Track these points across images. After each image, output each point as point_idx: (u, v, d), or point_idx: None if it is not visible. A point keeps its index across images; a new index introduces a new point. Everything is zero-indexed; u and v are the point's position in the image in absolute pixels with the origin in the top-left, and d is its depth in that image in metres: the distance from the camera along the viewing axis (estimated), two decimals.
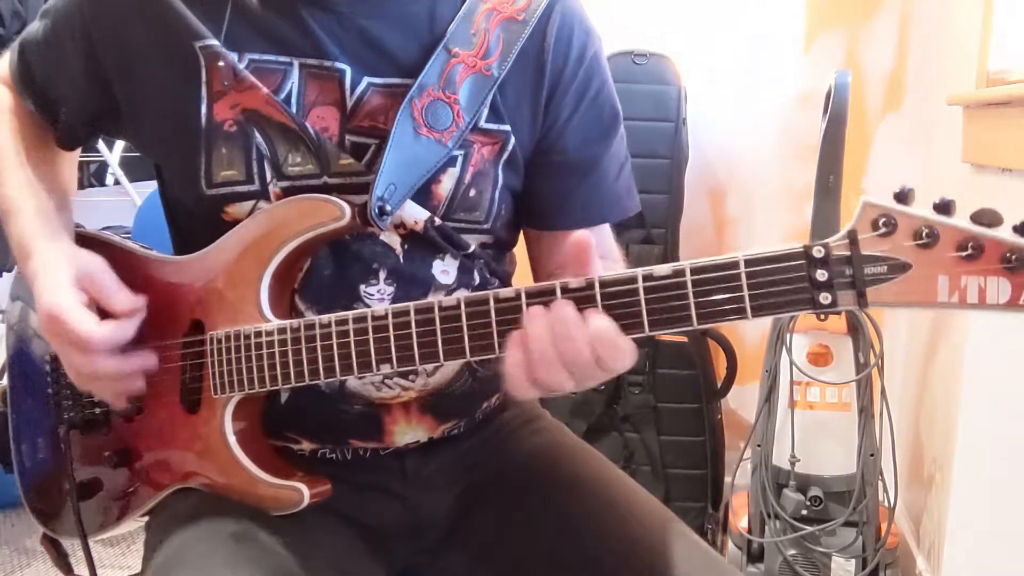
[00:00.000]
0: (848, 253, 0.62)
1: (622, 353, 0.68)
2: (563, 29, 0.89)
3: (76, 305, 0.82)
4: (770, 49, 2.05)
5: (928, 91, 1.96)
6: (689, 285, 0.65)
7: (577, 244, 0.70)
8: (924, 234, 0.60)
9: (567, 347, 0.67)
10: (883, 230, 0.61)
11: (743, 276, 0.64)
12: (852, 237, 0.62)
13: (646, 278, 0.66)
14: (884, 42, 2.01)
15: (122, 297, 0.84)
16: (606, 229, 0.98)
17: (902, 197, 0.61)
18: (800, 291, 0.63)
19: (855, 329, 1.65)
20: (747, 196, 2.13)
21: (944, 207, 0.60)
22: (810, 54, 2.04)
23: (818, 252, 0.62)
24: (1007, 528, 1.37)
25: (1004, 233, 0.59)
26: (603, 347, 0.67)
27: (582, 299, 0.68)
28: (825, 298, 0.62)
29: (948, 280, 0.60)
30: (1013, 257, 0.58)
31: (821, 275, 0.62)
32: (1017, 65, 1.45)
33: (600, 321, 0.67)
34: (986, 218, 0.59)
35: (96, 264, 0.86)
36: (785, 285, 0.63)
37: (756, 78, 2.06)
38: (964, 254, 0.59)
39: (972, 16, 1.58)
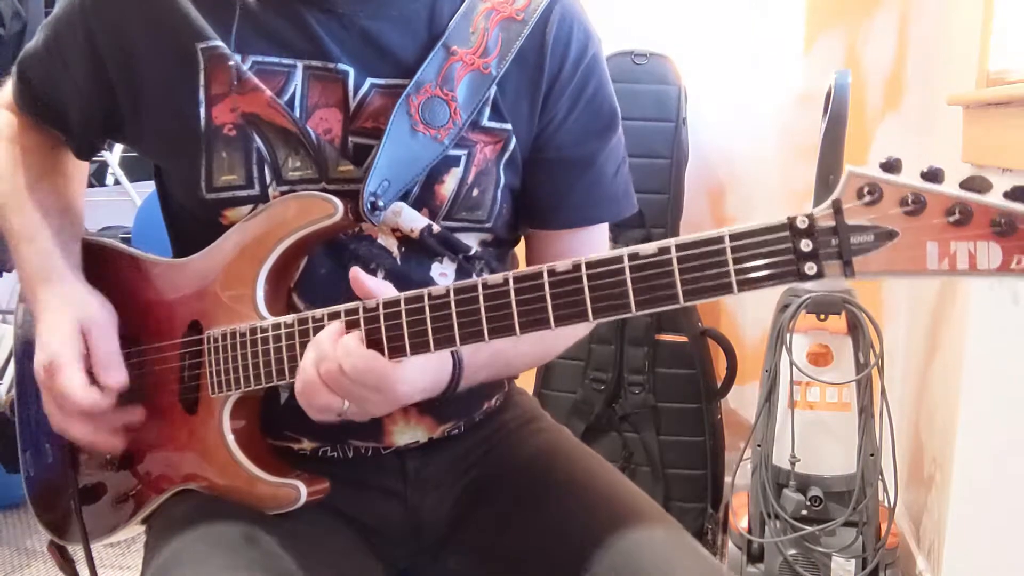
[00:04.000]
0: (833, 223, 0.61)
1: (367, 362, 0.72)
2: (562, 30, 0.89)
3: (73, 362, 0.84)
4: (770, 49, 2.05)
5: (928, 91, 1.96)
6: (675, 262, 0.65)
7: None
8: (910, 201, 0.59)
9: (324, 367, 0.73)
10: (868, 198, 0.59)
11: (728, 251, 0.63)
12: (837, 206, 0.60)
13: (631, 257, 0.66)
14: (884, 42, 2.01)
15: (113, 369, 0.86)
16: (602, 232, 0.97)
17: (889, 166, 0.60)
18: (785, 263, 0.62)
19: (855, 329, 1.65)
20: (747, 196, 2.13)
21: (932, 175, 0.59)
22: (810, 54, 2.04)
23: (802, 222, 0.61)
24: (1007, 528, 1.37)
25: (993, 198, 0.57)
26: (350, 362, 0.72)
27: (565, 281, 0.68)
28: (811, 268, 0.61)
29: (937, 247, 0.58)
30: (1003, 221, 0.57)
31: (806, 245, 0.61)
32: (1017, 65, 1.45)
33: (346, 337, 0.73)
34: (976, 184, 0.58)
35: (103, 318, 0.87)
36: (770, 257, 0.62)
37: (756, 78, 2.06)
38: (952, 219, 0.58)
39: (972, 16, 1.58)
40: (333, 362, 0.73)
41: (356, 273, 0.75)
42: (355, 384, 0.73)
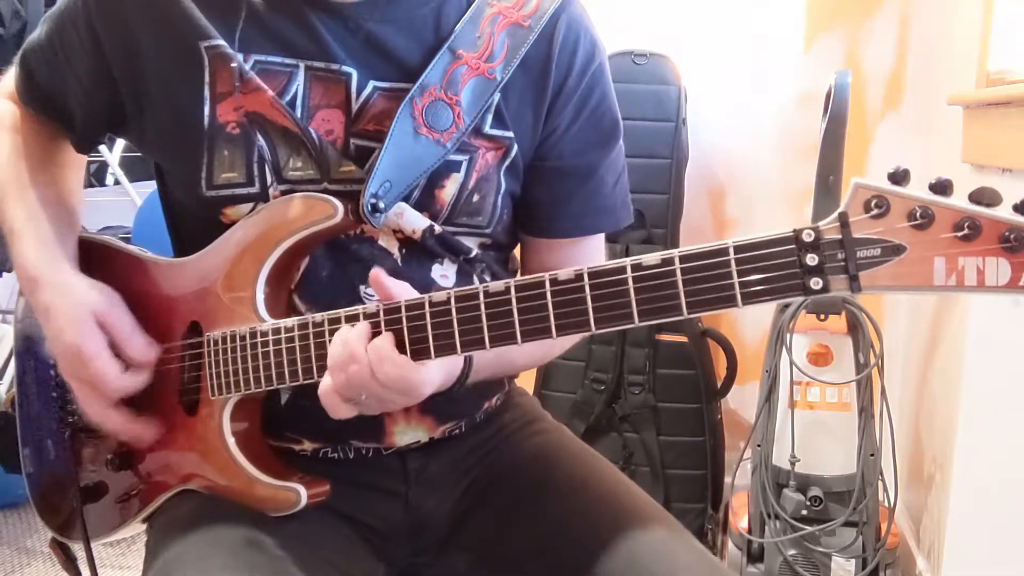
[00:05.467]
0: (839, 236, 0.60)
1: (400, 369, 0.72)
2: (568, 38, 0.89)
3: (102, 348, 0.84)
4: (770, 49, 2.05)
5: (928, 91, 1.96)
6: (678, 274, 0.64)
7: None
8: (919, 215, 0.58)
9: (353, 369, 0.72)
10: (875, 211, 0.59)
11: (732, 263, 0.62)
12: (843, 219, 0.60)
13: (635, 268, 0.66)
14: (884, 42, 2.01)
15: (138, 343, 0.86)
16: (598, 242, 0.98)
17: (896, 178, 0.59)
18: (790, 277, 0.61)
19: (855, 329, 1.65)
20: (747, 196, 2.12)
21: (941, 187, 0.57)
22: (810, 54, 2.04)
23: (808, 236, 0.60)
24: (1007, 528, 1.37)
25: (1002, 212, 0.56)
26: (380, 364, 0.72)
27: (568, 290, 0.68)
28: (816, 283, 0.60)
29: (945, 262, 0.58)
30: (1012, 236, 0.56)
31: (812, 259, 0.60)
32: (1017, 65, 1.45)
33: (379, 340, 0.72)
34: (985, 197, 0.57)
35: (113, 301, 0.87)
36: (775, 271, 0.61)
37: (756, 78, 2.06)
38: (961, 234, 0.57)
39: (972, 16, 1.58)
40: (364, 366, 0.72)
41: (377, 274, 0.74)
42: (384, 388, 0.73)
